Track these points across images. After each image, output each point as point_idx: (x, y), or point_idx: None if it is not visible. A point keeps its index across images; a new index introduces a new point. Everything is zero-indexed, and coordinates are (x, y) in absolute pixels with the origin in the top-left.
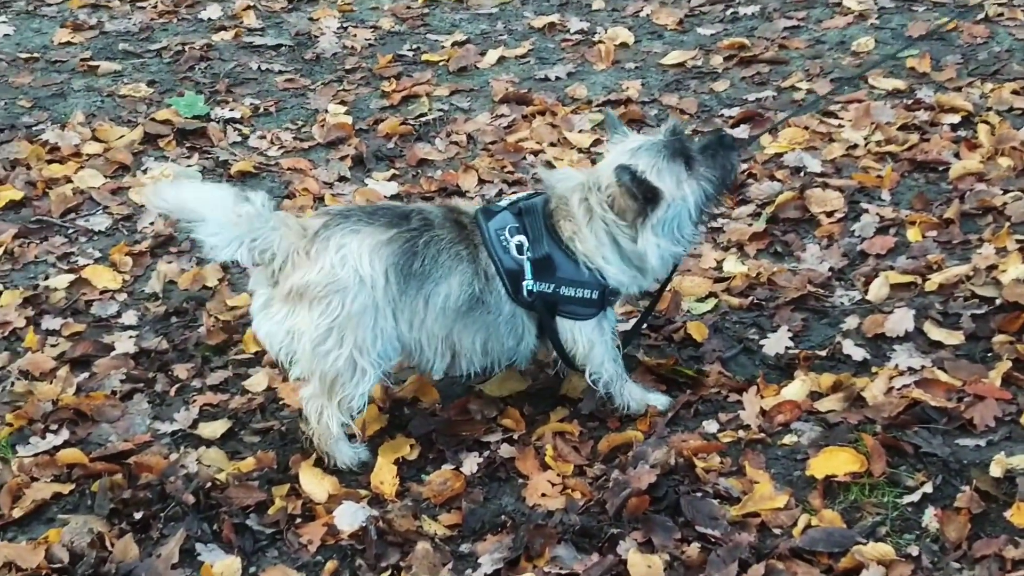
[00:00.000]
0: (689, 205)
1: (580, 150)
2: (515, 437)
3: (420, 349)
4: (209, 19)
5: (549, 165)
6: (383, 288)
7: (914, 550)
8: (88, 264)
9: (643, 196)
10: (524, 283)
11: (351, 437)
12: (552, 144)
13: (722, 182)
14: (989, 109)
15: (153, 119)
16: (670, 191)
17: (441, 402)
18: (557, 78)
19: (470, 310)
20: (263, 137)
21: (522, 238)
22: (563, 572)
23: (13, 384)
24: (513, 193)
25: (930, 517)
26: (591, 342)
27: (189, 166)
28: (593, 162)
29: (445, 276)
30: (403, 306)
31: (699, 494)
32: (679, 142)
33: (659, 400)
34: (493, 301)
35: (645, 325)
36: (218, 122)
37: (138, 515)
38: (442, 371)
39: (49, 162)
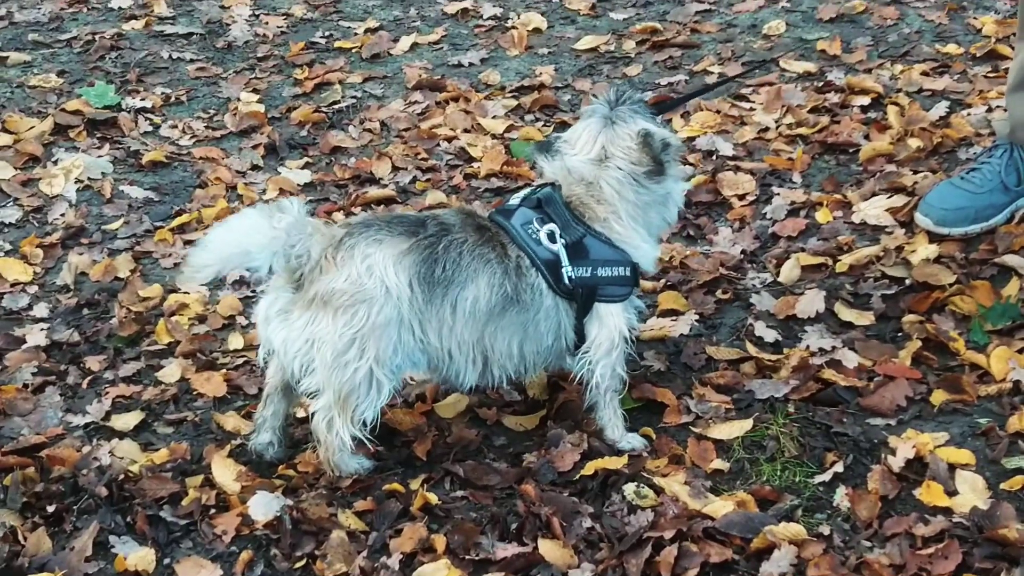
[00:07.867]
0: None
1: (494, 136)
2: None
3: (449, 359)
4: (119, 8)
5: (543, 152)
6: (408, 300)
7: (825, 529)
8: None
9: (663, 150)
10: (563, 270)
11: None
12: (466, 130)
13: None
14: (899, 90)
15: (63, 109)
16: (674, 140)
17: None
18: (471, 64)
19: (503, 311)
20: (175, 126)
21: (552, 226)
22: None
23: None
24: (427, 180)
25: (841, 496)
26: (616, 337)
27: (100, 156)
28: (507, 148)
29: (471, 278)
30: (430, 316)
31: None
32: (645, 104)
33: (634, 441)
34: (530, 298)
35: None
36: (129, 112)
37: (51, 508)
38: (473, 381)
39: None
